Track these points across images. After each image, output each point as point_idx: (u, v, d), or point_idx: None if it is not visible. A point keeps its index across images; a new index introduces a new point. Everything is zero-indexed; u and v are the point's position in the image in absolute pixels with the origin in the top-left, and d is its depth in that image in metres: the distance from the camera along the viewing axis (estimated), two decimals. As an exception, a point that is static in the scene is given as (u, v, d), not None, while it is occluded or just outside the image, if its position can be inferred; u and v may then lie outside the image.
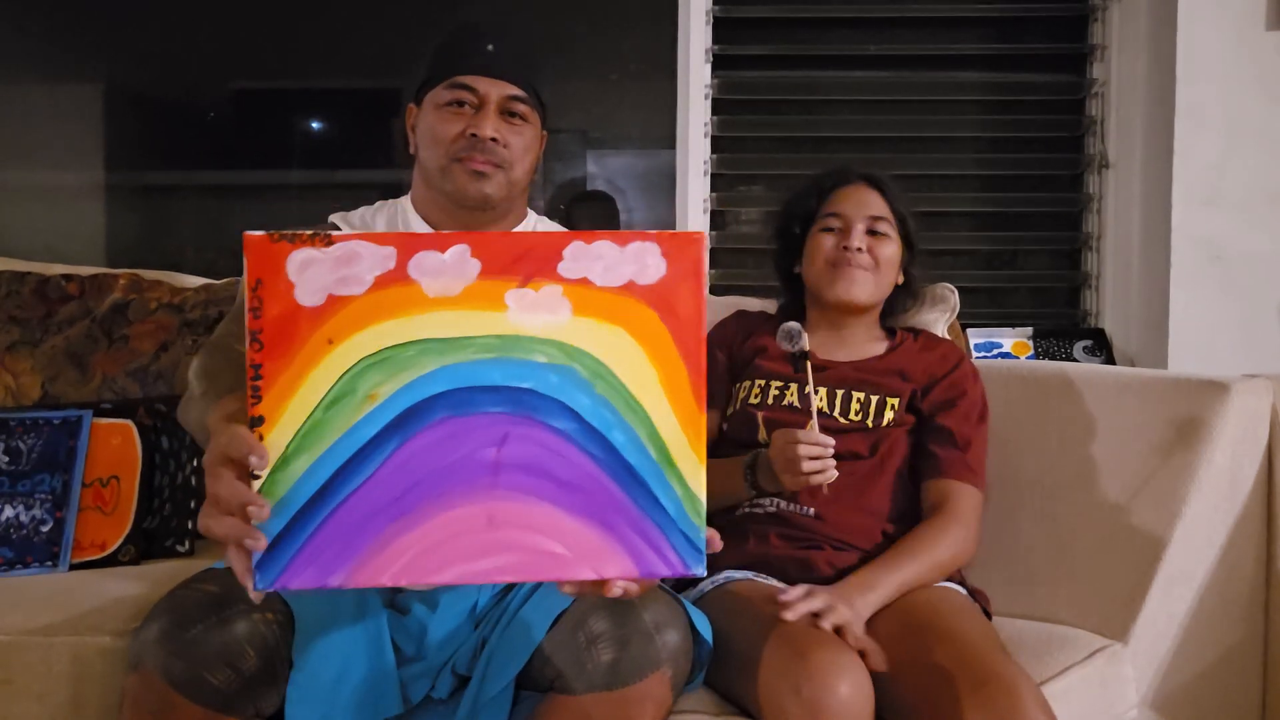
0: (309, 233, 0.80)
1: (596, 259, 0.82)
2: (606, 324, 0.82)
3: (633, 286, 0.82)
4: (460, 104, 1.29)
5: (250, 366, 0.80)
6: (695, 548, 0.84)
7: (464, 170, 1.28)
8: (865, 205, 1.49)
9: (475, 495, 0.82)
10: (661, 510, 0.83)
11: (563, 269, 0.82)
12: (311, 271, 0.80)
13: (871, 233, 1.48)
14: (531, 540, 0.82)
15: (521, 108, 1.31)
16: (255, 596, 0.82)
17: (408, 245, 0.81)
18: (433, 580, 0.83)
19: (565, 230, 1.46)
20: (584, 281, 0.82)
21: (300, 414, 0.80)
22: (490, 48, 1.30)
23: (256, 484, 0.81)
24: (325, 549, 0.81)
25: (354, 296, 0.80)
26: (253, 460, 0.79)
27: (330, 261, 0.80)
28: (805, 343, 1.35)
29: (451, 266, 0.81)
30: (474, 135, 1.27)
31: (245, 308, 0.79)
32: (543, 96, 1.35)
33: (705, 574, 0.86)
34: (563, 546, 0.83)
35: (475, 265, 0.81)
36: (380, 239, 0.81)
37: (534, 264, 0.81)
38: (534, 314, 0.82)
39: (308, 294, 0.80)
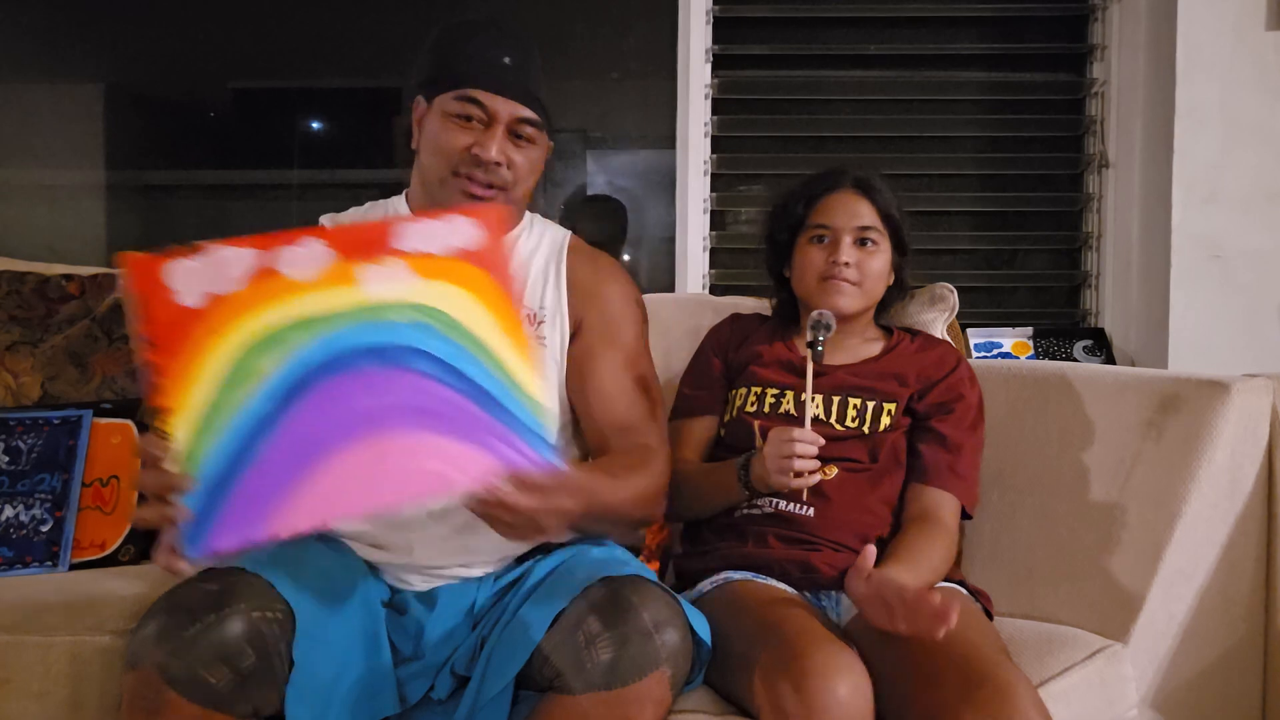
0: (178, 245, 0.93)
1: (428, 234, 0.99)
2: (446, 283, 0.99)
3: (460, 251, 1.00)
4: (468, 118, 1.25)
5: (148, 366, 0.91)
6: (546, 442, 1.00)
7: (462, 192, 1.25)
8: (854, 215, 1.47)
9: (365, 438, 0.95)
10: (515, 419, 0.99)
11: (403, 245, 0.98)
12: (188, 277, 0.93)
13: (861, 242, 1.47)
14: (419, 465, 0.96)
15: (529, 130, 1.27)
16: (189, 569, 0.93)
17: (266, 244, 0.95)
18: (347, 516, 0.96)
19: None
20: (421, 252, 0.99)
21: (200, 399, 0.92)
22: (506, 60, 1.25)
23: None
24: (243, 511, 0.92)
25: (231, 293, 0.94)
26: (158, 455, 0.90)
27: (202, 267, 0.93)
28: (823, 336, 1.39)
29: (309, 256, 0.96)
30: (478, 155, 1.24)
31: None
32: (545, 104, 1.30)
33: (558, 463, 1.01)
34: (446, 465, 0.96)
35: (330, 252, 0.96)
36: (241, 242, 0.95)
37: (378, 244, 0.98)
38: (387, 284, 0.97)
39: (189, 296, 0.93)
